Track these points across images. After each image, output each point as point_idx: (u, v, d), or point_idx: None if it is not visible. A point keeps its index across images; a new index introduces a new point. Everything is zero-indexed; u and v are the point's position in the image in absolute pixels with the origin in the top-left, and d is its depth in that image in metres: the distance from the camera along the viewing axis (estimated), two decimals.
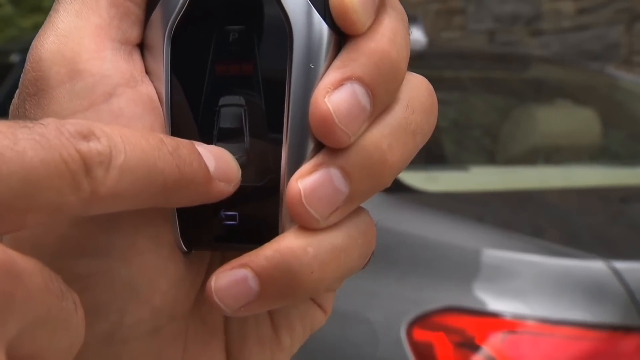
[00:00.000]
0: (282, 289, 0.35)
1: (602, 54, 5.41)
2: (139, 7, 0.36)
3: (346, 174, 0.35)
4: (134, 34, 0.36)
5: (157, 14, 0.36)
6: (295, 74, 0.35)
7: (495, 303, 1.85)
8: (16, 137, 0.28)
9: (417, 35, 3.00)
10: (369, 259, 0.37)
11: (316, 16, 0.35)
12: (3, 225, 0.29)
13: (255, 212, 0.36)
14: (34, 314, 0.28)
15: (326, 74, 0.35)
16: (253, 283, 0.35)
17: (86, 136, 0.30)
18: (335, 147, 0.35)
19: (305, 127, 0.35)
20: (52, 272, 0.29)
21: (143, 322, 0.36)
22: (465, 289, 1.88)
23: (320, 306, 0.40)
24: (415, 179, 2.29)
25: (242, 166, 0.36)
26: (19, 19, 5.47)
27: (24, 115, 0.36)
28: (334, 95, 0.35)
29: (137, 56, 0.36)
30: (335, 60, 0.36)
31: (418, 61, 3.15)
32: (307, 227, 0.35)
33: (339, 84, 0.35)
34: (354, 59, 0.35)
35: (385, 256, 1.97)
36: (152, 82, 0.36)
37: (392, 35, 0.36)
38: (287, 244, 0.35)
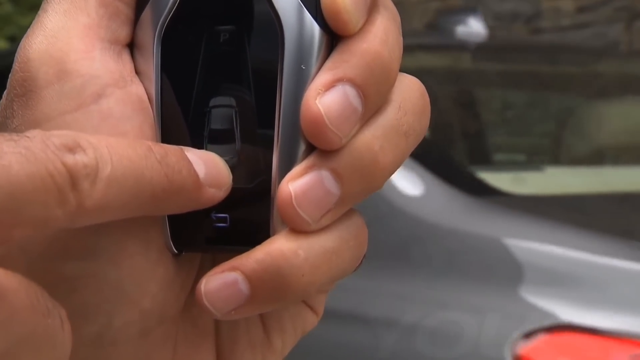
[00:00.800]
0: (273, 292, 0.34)
1: None
2: (129, 7, 0.36)
3: (337, 176, 0.35)
4: (124, 33, 0.36)
5: (147, 14, 0.36)
6: (287, 75, 0.35)
7: (614, 319, 1.64)
8: (2, 150, 0.28)
9: (477, 27, 2.82)
10: (361, 261, 0.37)
11: (307, 16, 0.35)
12: None
13: (246, 214, 0.36)
14: (18, 333, 0.27)
15: (317, 75, 0.35)
16: (243, 286, 0.34)
17: (72, 148, 0.30)
18: (326, 149, 0.35)
19: (297, 128, 0.35)
20: (38, 288, 0.29)
21: (132, 325, 0.36)
22: (576, 302, 1.68)
23: (311, 308, 0.39)
24: (501, 180, 2.13)
25: (233, 168, 0.35)
26: (18, 17, 5.47)
27: (11, 116, 0.35)
28: (325, 97, 0.34)
29: (126, 56, 0.36)
30: (327, 62, 0.35)
31: (480, 54, 2.98)
32: (298, 229, 0.35)
33: (331, 85, 0.35)
34: (346, 60, 0.35)
35: (482, 266, 1.82)
36: (142, 82, 0.36)
37: (385, 36, 0.35)
38: (278, 246, 0.34)
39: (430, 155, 2.14)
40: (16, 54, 0.36)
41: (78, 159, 0.30)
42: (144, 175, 0.32)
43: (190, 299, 0.37)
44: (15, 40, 4.88)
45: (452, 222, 1.90)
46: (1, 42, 5.13)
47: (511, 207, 2.02)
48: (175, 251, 0.36)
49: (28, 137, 0.29)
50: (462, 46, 2.86)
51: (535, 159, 2.99)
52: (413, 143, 0.36)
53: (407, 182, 1.96)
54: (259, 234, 0.35)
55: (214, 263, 0.35)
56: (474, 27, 2.78)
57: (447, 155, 2.56)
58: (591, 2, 5.55)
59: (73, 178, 0.30)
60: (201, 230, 0.36)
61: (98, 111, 0.35)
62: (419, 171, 1.98)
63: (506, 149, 3.01)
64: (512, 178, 2.26)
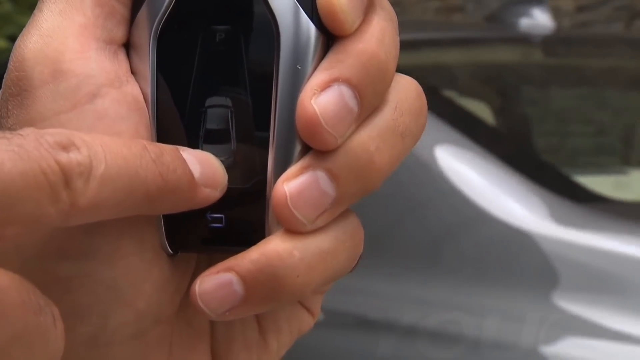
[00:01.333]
0: (268, 293, 0.34)
1: None
2: (125, 6, 0.36)
3: (333, 176, 0.35)
4: (120, 33, 0.36)
5: (143, 13, 0.36)
6: (282, 75, 0.35)
7: None
8: None
9: (543, 19, 2.59)
10: (357, 262, 0.37)
11: (304, 16, 0.35)
12: None
13: (242, 214, 0.36)
14: (10, 330, 0.27)
15: (313, 75, 0.35)
16: (238, 287, 0.34)
17: (66, 147, 0.30)
18: (322, 149, 0.35)
19: (292, 128, 0.35)
20: (30, 286, 0.28)
21: (127, 326, 0.36)
22: None
23: (307, 309, 0.39)
24: (601, 185, 1.93)
25: (229, 168, 0.35)
26: (18, 16, 5.46)
27: (6, 116, 0.35)
28: (320, 97, 0.34)
29: (122, 56, 0.36)
30: (323, 62, 0.35)
31: (551, 48, 2.74)
32: (294, 230, 0.35)
33: (326, 86, 0.34)
34: (342, 60, 0.35)
35: (602, 284, 1.64)
36: (138, 82, 0.36)
37: (381, 36, 0.35)
38: (273, 247, 0.34)
39: (519, 157, 1.95)
40: (11, 54, 0.36)
41: (72, 157, 0.30)
42: (138, 174, 0.32)
43: (186, 299, 0.37)
44: (14, 39, 4.87)
45: (558, 232, 1.70)
46: (1, 41, 5.13)
47: (623, 216, 1.80)
48: (171, 251, 0.36)
49: (21, 135, 0.29)
50: (528, 39, 2.64)
51: (614, 161, 2.73)
52: (410, 144, 0.36)
53: (499, 186, 1.76)
54: (254, 234, 0.35)
55: (210, 264, 0.35)
56: (539, 19, 2.57)
57: (537, 156, 2.35)
58: (591, 2, 5.55)
59: (66, 176, 0.29)
60: (196, 231, 0.36)
61: (93, 111, 0.34)
62: (510, 174, 1.78)
63: (586, 150, 2.72)
64: (614, 182, 2.05)
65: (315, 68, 0.35)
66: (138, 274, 0.35)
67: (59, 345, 0.29)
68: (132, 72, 0.36)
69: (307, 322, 0.39)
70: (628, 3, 5.41)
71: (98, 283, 0.35)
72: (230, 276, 0.34)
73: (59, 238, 0.34)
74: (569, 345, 1.61)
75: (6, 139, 0.29)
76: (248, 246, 0.35)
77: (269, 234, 0.35)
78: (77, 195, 0.30)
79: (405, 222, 1.82)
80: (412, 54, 2.26)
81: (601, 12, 5.50)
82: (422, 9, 5.68)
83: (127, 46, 0.36)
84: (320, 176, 0.35)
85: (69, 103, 0.34)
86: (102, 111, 0.34)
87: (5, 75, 0.36)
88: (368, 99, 0.35)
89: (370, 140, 0.35)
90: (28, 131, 0.30)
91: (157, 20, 0.35)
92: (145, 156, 0.32)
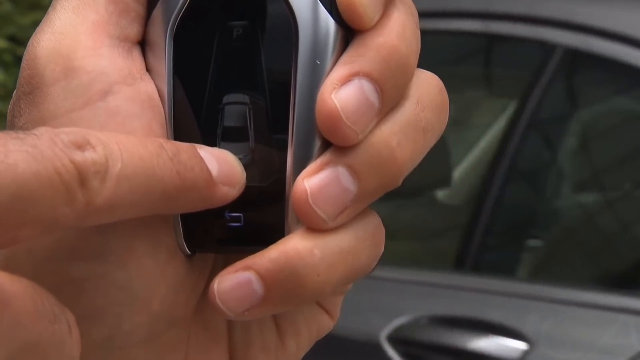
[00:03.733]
0: (287, 292, 0.34)
1: None
2: (140, 4, 0.35)
3: (354, 172, 0.34)
4: (134, 30, 0.35)
5: (158, 10, 0.35)
6: (301, 70, 0.34)
7: None
8: (7, 149, 0.28)
9: None
10: (378, 262, 0.36)
11: (322, 11, 0.34)
12: None
13: (260, 213, 0.35)
14: (23, 339, 0.27)
15: (333, 69, 0.34)
16: (257, 286, 0.34)
17: (81, 145, 0.29)
18: (342, 144, 0.34)
19: (312, 124, 0.34)
20: (44, 293, 0.28)
21: (141, 328, 0.35)
22: None
23: (327, 311, 0.39)
24: None
25: (247, 166, 0.35)
26: (17, 16, 5.46)
27: (19, 115, 0.35)
28: (341, 92, 0.34)
29: (137, 53, 0.35)
30: (342, 56, 0.34)
31: None
32: (314, 227, 0.34)
33: (346, 80, 0.34)
34: (362, 54, 0.34)
35: None
36: (154, 80, 0.35)
37: (402, 30, 0.35)
38: (293, 245, 0.34)
39: None
40: (24, 52, 0.35)
41: (87, 156, 0.29)
42: (155, 173, 0.31)
43: (202, 301, 0.37)
44: (14, 39, 4.89)
45: None
46: (0, 41, 5.13)
47: None
48: (188, 252, 0.35)
49: (35, 134, 0.29)
50: None
51: None
52: (431, 139, 0.36)
53: None
54: (273, 233, 0.35)
55: (227, 264, 0.34)
56: None
57: None
58: None
59: (82, 176, 0.29)
60: (214, 231, 0.35)
61: (105, 108, 0.34)
62: None
63: None
64: None
65: (334, 63, 0.34)
66: (152, 274, 0.34)
67: (74, 354, 0.29)
68: (148, 69, 0.35)
69: (326, 324, 0.39)
70: None
71: (111, 284, 0.34)
72: (249, 275, 0.34)
73: (72, 239, 0.34)
74: None
75: (19, 139, 0.28)
76: (267, 246, 0.34)
77: (289, 233, 0.34)
78: (94, 195, 0.29)
79: None
80: None
81: None
82: None
83: (143, 44, 0.36)
84: (342, 172, 0.34)
85: (81, 100, 0.34)
86: (114, 109, 0.34)
87: (19, 74, 0.35)
88: (389, 94, 0.34)
89: (392, 135, 0.34)
90: (42, 130, 0.29)
91: (173, 17, 0.35)
92: (162, 154, 0.32)
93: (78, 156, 0.29)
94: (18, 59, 5.16)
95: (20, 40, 5.03)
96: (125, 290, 0.34)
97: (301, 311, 0.38)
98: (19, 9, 5.25)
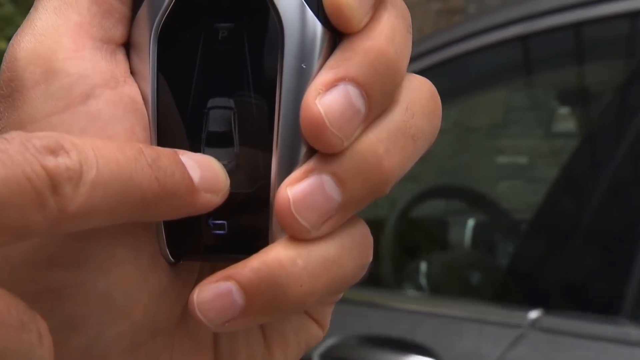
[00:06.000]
0: (269, 303, 0.33)
1: None
2: (124, 5, 0.35)
3: (339, 180, 0.33)
4: (118, 32, 0.35)
5: (143, 11, 0.34)
6: (287, 74, 0.33)
7: None
8: None
9: None
10: (366, 271, 0.35)
11: (309, 13, 0.33)
12: None
13: (245, 221, 0.34)
14: None
15: (318, 74, 0.33)
16: (238, 296, 0.33)
17: (54, 150, 0.28)
18: (327, 151, 0.33)
19: (297, 130, 0.33)
20: (11, 301, 0.27)
21: (123, 337, 0.34)
22: None
23: (316, 321, 0.38)
24: None
25: (231, 172, 0.34)
26: (19, 18, 5.46)
27: None
28: (325, 97, 0.33)
29: (121, 56, 0.35)
30: (329, 60, 0.34)
31: None
32: (297, 237, 0.33)
33: (332, 85, 0.33)
34: (348, 59, 0.33)
35: None
36: (138, 82, 0.34)
37: (391, 33, 0.34)
38: (275, 254, 0.33)
39: None
40: (5, 54, 0.34)
41: (60, 162, 0.28)
42: (133, 179, 0.30)
43: (188, 310, 0.36)
44: None
45: None
46: (2, 43, 5.12)
47: None
48: (172, 259, 0.35)
49: (6, 139, 0.28)
50: None
51: None
52: (422, 146, 0.35)
53: None
54: (258, 241, 0.34)
55: (214, 272, 0.34)
56: None
57: None
58: None
59: (54, 182, 0.28)
60: (198, 238, 0.35)
61: (86, 112, 0.33)
62: None
63: None
64: None
65: (321, 67, 0.33)
66: (134, 282, 0.34)
67: None
68: (132, 72, 0.35)
69: (315, 334, 0.38)
70: None
71: (91, 292, 0.33)
72: (229, 285, 0.33)
73: (50, 246, 0.33)
74: None
75: None
76: (252, 254, 0.33)
77: (273, 241, 0.33)
78: (66, 202, 0.28)
79: None
80: None
81: None
82: (423, 10, 5.67)
83: (128, 46, 0.35)
84: (326, 180, 0.33)
85: (61, 104, 0.33)
86: (95, 112, 0.33)
87: None
88: (376, 99, 0.33)
89: (379, 142, 0.33)
90: (14, 135, 0.28)
91: (157, 18, 0.34)
92: (141, 160, 0.31)
93: (50, 162, 0.28)
94: None
95: None
96: (106, 298, 0.33)
97: (289, 321, 0.37)
98: (20, 11, 5.25)
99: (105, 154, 0.30)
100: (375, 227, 2.23)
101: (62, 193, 0.28)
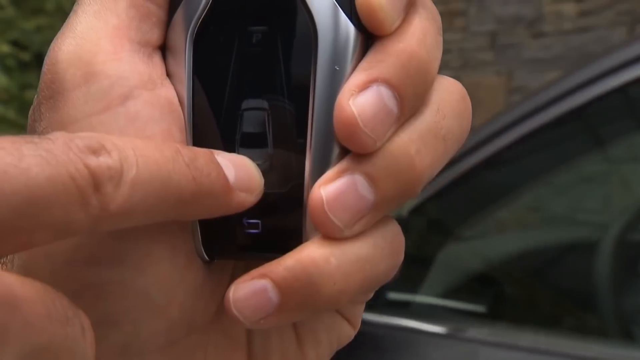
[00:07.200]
0: (303, 301, 0.33)
1: None
2: (161, 9, 0.35)
3: (372, 180, 0.34)
4: (155, 35, 0.35)
5: (179, 15, 0.35)
6: (320, 76, 0.34)
7: None
8: (21, 153, 0.27)
9: None
10: (398, 270, 0.36)
11: (342, 16, 0.34)
12: (7, 246, 0.27)
13: (278, 220, 0.35)
14: (34, 343, 0.26)
15: (351, 76, 0.34)
16: (273, 294, 0.33)
17: (96, 150, 0.29)
18: (360, 152, 0.34)
19: (330, 131, 0.34)
20: (57, 296, 0.27)
21: (159, 334, 0.35)
22: None
23: (348, 320, 0.38)
24: None
25: (265, 173, 0.34)
26: (20, 21, 5.46)
27: (39, 119, 0.34)
28: (359, 98, 0.33)
29: (157, 58, 0.35)
30: (361, 62, 0.34)
31: None
32: (330, 236, 0.34)
33: (365, 86, 0.33)
34: (381, 60, 0.34)
35: None
36: (174, 85, 0.35)
37: (422, 36, 0.34)
38: (309, 253, 0.33)
39: None
40: (45, 57, 0.35)
41: (102, 161, 0.29)
42: (171, 179, 0.31)
43: (222, 308, 0.36)
44: (17, 44, 4.88)
45: None
46: (3, 46, 5.12)
47: None
48: (207, 258, 0.35)
49: (50, 139, 0.28)
50: None
51: None
52: (452, 147, 0.35)
53: None
54: (291, 240, 0.34)
55: (247, 270, 0.34)
56: None
57: None
58: (593, 6, 5.55)
59: (96, 181, 0.29)
60: (232, 237, 0.35)
61: (125, 113, 0.34)
62: None
63: None
64: None
65: (354, 69, 0.34)
66: (170, 280, 0.34)
67: (87, 356, 0.28)
68: (168, 74, 0.35)
69: (347, 333, 0.38)
70: (631, 8, 5.41)
71: (129, 290, 0.34)
72: (264, 283, 0.33)
73: (90, 244, 0.33)
74: None
75: (34, 143, 0.28)
76: (285, 253, 0.34)
77: (307, 240, 0.34)
78: (108, 200, 0.29)
79: None
80: None
81: (603, 17, 5.50)
82: None
83: (164, 48, 0.36)
84: (358, 180, 0.34)
85: (101, 105, 0.34)
86: (134, 113, 0.34)
87: (40, 79, 0.35)
88: (408, 100, 0.34)
89: (411, 143, 0.34)
90: (57, 135, 0.29)
91: (193, 22, 0.35)
92: (178, 160, 0.31)
93: (92, 161, 0.29)
94: (21, 64, 5.15)
95: (23, 45, 5.03)
96: (143, 295, 0.34)
97: (321, 320, 0.38)
98: (22, 14, 5.25)
99: (145, 154, 0.30)
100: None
101: (104, 192, 0.29)
